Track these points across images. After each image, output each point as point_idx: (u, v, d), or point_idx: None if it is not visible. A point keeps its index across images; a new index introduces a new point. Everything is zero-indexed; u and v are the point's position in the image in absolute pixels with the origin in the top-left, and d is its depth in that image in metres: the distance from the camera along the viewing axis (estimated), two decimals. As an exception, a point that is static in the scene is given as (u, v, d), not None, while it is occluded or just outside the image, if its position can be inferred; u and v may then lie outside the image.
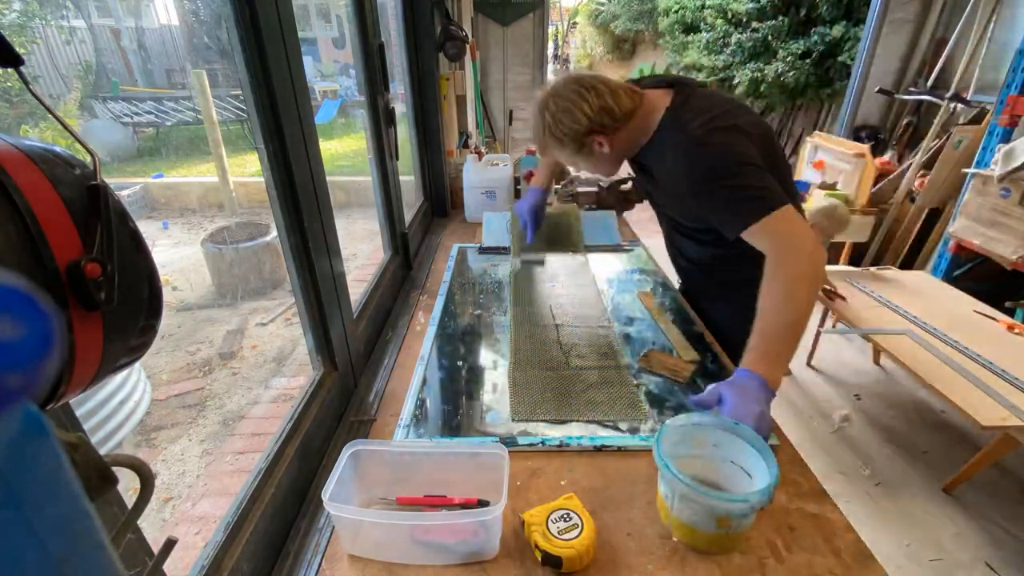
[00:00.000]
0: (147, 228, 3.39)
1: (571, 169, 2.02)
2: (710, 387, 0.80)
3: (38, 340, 0.14)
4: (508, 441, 0.82)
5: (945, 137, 2.96)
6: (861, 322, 2.01)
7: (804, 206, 3.13)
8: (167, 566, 0.41)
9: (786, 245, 0.85)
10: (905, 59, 3.57)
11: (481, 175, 1.75)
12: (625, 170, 1.24)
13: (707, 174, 0.91)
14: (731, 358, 1.06)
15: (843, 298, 2.12)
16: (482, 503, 0.69)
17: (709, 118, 0.92)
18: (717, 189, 0.90)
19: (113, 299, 0.27)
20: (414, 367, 1.01)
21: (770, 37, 5.03)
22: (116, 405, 1.86)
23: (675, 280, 1.40)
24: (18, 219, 0.24)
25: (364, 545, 0.66)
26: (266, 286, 3.05)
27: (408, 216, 1.52)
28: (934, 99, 3.12)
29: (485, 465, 0.70)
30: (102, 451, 0.31)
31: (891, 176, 3.15)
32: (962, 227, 2.53)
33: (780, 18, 4.98)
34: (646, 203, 2.19)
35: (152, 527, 1.61)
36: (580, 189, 2.04)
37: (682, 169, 0.94)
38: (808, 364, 2.53)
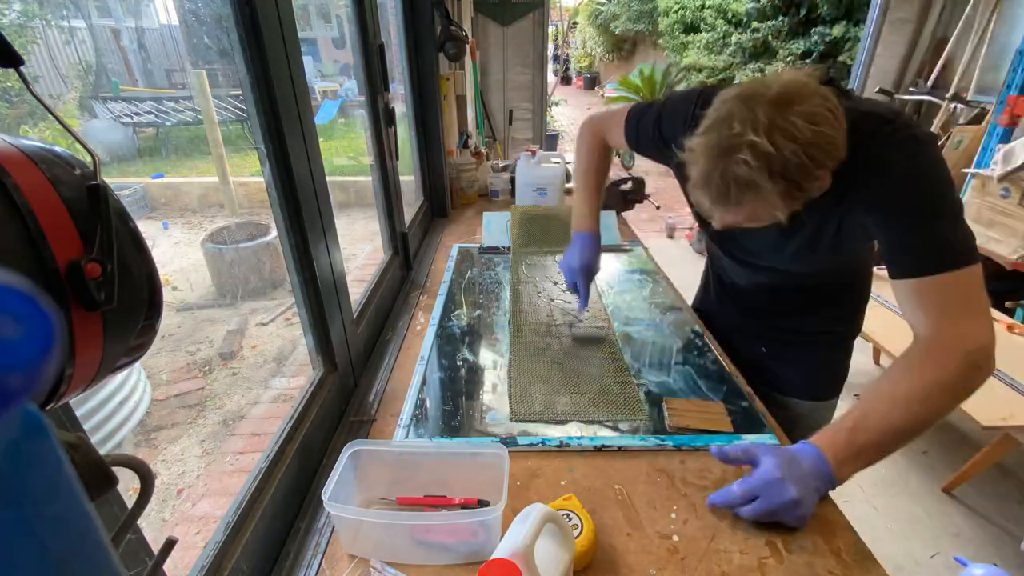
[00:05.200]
0: (147, 228, 3.39)
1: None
2: (745, 443, 0.69)
3: (38, 340, 0.14)
4: (508, 441, 0.82)
5: (945, 137, 2.97)
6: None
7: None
8: (167, 566, 0.41)
9: (957, 321, 0.68)
10: (905, 59, 3.57)
11: (534, 172, 1.78)
12: (625, 172, 1.23)
13: (919, 198, 0.69)
14: (780, 422, 0.88)
15: None
16: (482, 503, 0.69)
17: (902, 123, 0.70)
18: (924, 218, 0.69)
19: (113, 299, 0.27)
20: (414, 367, 1.01)
21: (770, 37, 5.03)
22: (116, 405, 1.86)
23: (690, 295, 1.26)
24: (18, 219, 0.24)
25: (364, 545, 0.66)
26: (266, 286, 3.05)
27: (408, 216, 1.52)
28: (934, 99, 3.12)
29: (485, 465, 0.70)
30: (102, 451, 0.31)
31: (891, 176, 3.15)
32: (962, 227, 2.53)
33: (780, 18, 4.98)
34: (646, 204, 2.16)
35: (152, 527, 1.61)
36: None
37: (883, 189, 0.70)
38: (808, 364, 2.53)
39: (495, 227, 1.63)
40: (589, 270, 1.08)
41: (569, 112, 10.43)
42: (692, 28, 6.31)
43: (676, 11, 6.45)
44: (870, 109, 0.73)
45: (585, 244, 1.09)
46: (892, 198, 0.70)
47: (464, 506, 0.69)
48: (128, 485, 0.35)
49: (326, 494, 0.61)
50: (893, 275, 0.73)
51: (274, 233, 2.89)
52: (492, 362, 1.03)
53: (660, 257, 1.53)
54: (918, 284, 0.69)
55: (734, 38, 5.36)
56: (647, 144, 1.00)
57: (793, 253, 0.87)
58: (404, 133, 1.69)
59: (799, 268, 0.92)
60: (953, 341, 0.67)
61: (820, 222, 0.80)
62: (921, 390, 0.66)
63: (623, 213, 1.95)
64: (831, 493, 0.71)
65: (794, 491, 0.63)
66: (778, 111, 0.63)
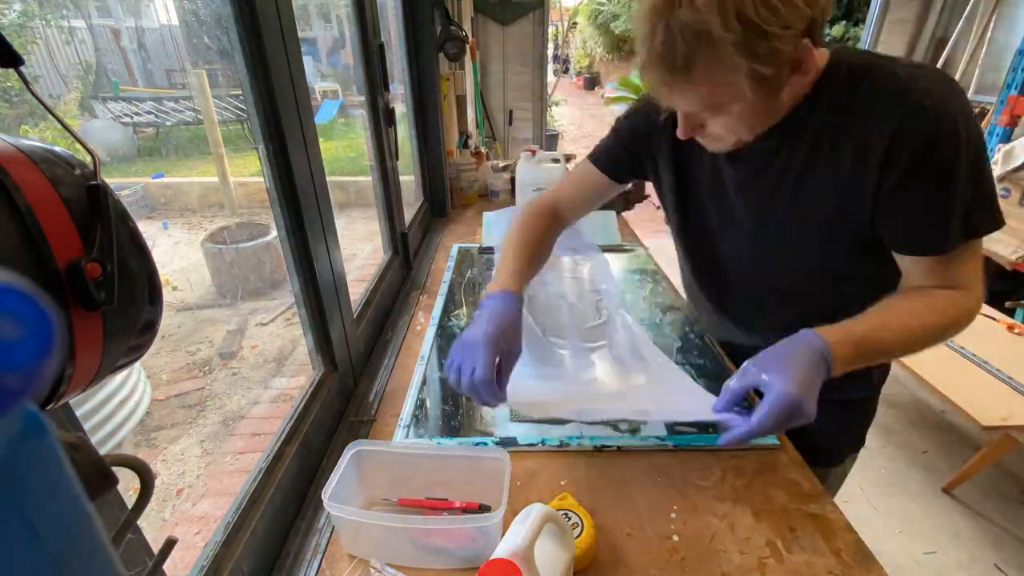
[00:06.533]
0: (147, 228, 3.39)
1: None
2: (737, 383, 0.63)
3: (38, 340, 0.14)
4: (508, 441, 0.82)
5: (945, 137, 2.96)
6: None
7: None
8: (167, 566, 0.41)
9: (976, 284, 0.67)
10: (905, 59, 3.57)
11: (534, 172, 1.79)
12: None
13: (957, 153, 0.60)
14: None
15: None
16: (483, 508, 0.69)
17: (944, 77, 0.64)
18: (964, 179, 0.61)
19: (113, 299, 0.27)
20: (414, 367, 1.01)
21: (770, 37, 5.03)
22: (116, 405, 1.86)
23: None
24: (18, 219, 0.24)
25: (364, 546, 0.66)
26: (266, 286, 3.05)
27: (408, 216, 1.52)
28: (934, 99, 3.11)
29: (486, 469, 0.70)
30: (102, 451, 0.31)
31: (891, 176, 3.16)
32: (962, 227, 2.53)
33: (780, 18, 4.98)
34: (647, 203, 2.14)
35: (152, 527, 1.61)
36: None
37: (909, 139, 0.60)
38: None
39: (495, 227, 1.63)
40: (497, 340, 0.69)
41: (569, 112, 10.42)
42: (692, 28, 6.31)
43: (676, 11, 6.46)
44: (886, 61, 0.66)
45: (498, 303, 0.74)
46: (922, 152, 0.60)
47: (465, 510, 0.69)
48: (128, 485, 0.35)
49: (326, 494, 0.61)
50: (907, 252, 0.67)
51: (274, 233, 2.89)
52: (492, 362, 1.03)
53: (660, 257, 1.53)
54: (942, 258, 0.66)
55: (734, 38, 5.37)
56: (619, 152, 0.89)
57: (781, 220, 0.74)
58: (404, 133, 1.69)
59: (795, 245, 0.76)
60: (968, 302, 0.67)
61: (804, 167, 0.69)
62: (933, 333, 0.66)
63: (623, 213, 1.95)
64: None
65: (809, 406, 0.58)
66: None
